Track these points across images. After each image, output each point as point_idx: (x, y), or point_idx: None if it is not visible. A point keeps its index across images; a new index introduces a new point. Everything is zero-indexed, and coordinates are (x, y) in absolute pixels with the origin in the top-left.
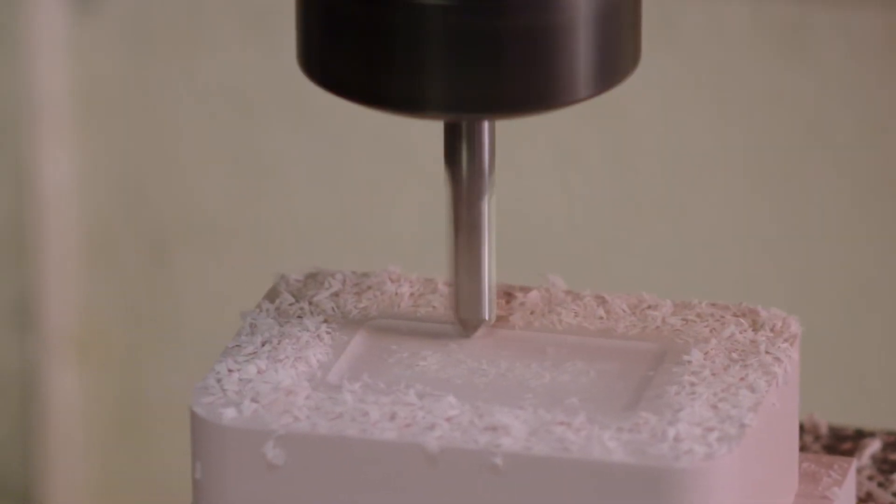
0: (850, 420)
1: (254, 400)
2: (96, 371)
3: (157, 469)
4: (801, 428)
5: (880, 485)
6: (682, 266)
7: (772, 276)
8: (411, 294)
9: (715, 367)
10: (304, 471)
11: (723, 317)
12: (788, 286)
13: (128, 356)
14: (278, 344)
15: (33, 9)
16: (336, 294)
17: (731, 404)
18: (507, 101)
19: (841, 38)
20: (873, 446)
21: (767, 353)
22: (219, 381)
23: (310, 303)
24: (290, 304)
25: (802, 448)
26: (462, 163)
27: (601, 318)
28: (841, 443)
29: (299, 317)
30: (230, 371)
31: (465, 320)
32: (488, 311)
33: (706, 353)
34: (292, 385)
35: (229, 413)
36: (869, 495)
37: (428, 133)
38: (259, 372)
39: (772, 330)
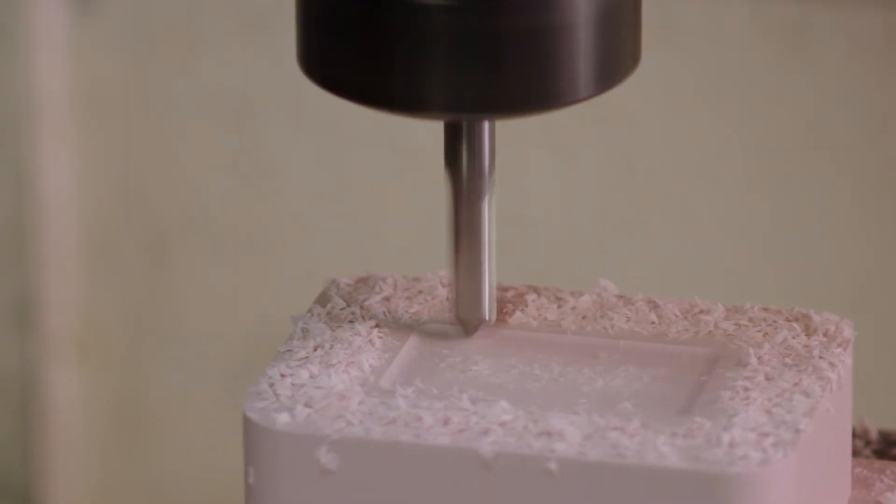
0: None
1: (307, 405)
2: (96, 371)
3: (157, 469)
4: (852, 433)
5: None
6: (682, 266)
7: (771, 275)
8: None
9: (769, 371)
10: (357, 476)
11: (775, 321)
12: (788, 286)
13: (128, 356)
14: (330, 349)
15: (33, 9)
16: (387, 298)
17: (785, 409)
18: (508, 101)
19: (841, 38)
20: None
21: (821, 357)
22: (271, 385)
23: (361, 307)
24: (342, 309)
25: (853, 453)
26: (462, 163)
27: (653, 322)
28: (891, 447)
29: (351, 321)
30: (283, 376)
31: (465, 320)
32: (488, 310)
33: (760, 358)
34: (345, 390)
35: (282, 418)
36: None
37: (428, 133)
38: (312, 377)
39: (825, 335)
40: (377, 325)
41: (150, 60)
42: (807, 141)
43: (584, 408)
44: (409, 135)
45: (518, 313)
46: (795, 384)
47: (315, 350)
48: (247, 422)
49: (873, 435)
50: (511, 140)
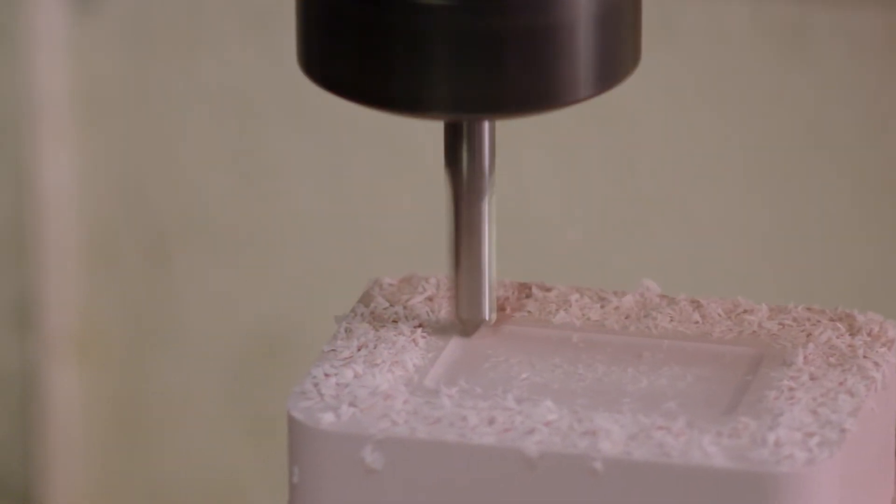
0: None
1: (351, 404)
2: (96, 371)
3: (157, 469)
4: None
5: None
6: (682, 266)
7: (771, 275)
8: (506, 298)
9: (813, 371)
10: (402, 475)
11: (819, 321)
12: (788, 286)
13: (128, 356)
14: (374, 348)
15: (33, 9)
16: (430, 298)
17: (830, 409)
18: (508, 101)
19: (841, 38)
20: None
21: (865, 357)
22: (316, 385)
23: (404, 307)
24: (385, 309)
25: None
26: (462, 163)
27: (696, 322)
28: None
29: (394, 321)
30: (327, 375)
31: (465, 320)
32: (488, 310)
33: (804, 358)
34: (390, 389)
35: (327, 417)
36: None
37: (428, 133)
38: (356, 376)
39: (869, 334)
40: (420, 325)
41: (150, 60)
42: (807, 141)
43: (628, 407)
44: (409, 135)
45: (562, 313)
46: (840, 384)
47: (359, 350)
48: (291, 421)
49: None
50: (511, 140)
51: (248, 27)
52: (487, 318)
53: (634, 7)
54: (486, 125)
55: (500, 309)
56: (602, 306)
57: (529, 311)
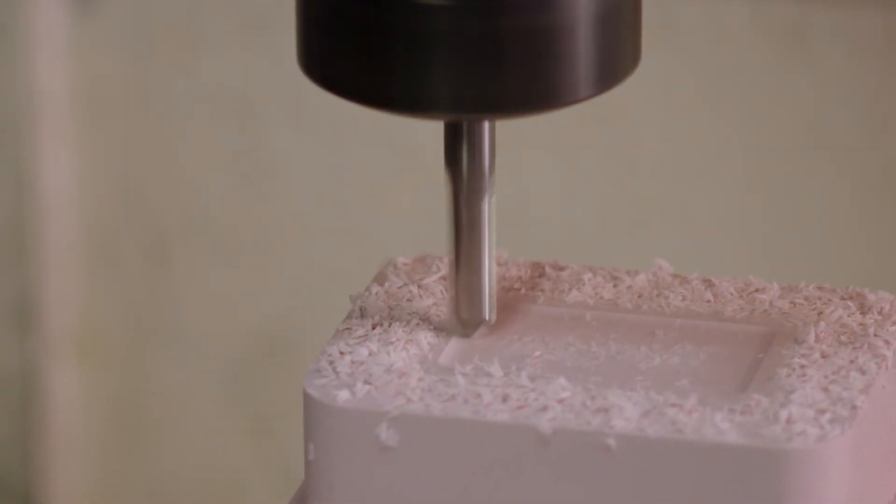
0: None
1: (367, 382)
2: (96, 371)
3: (157, 469)
4: None
5: None
6: (682, 265)
7: (771, 275)
8: (519, 277)
9: (824, 349)
10: (416, 452)
11: (830, 300)
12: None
13: (128, 356)
14: (389, 327)
15: (33, 9)
16: (444, 277)
17: (841, 386)
18: (508, 101)
19: (841, 38)
20: None
21: (876, 335)
22: (331, 363)
23: (419, 286)
24: (399, 288)
25: None
26: (462, 163)
27: (709, 301)
28: None
29: (409, 300)
30: (342, 353)
31: (465, 320)
32: (488, 310)
33: (816, 336)
34: (404, 367)
35: (343, 395)
36: None
37: (428, 133)
38: (371, 354)
39: (879, 313)
40: (435, 304)
41: (150, 60)
42: (807, 141)
43: (641, 385)
44: (409, 135)
45: (574, 292)
46: (851, 361)
47: (374, 328)
48: (307, 398)
49: None
50: (511, 140)
51: (248, 27)
52: (487, 317)
53: (634, 7)
54: (486, 125)
55: (514, 288)
56: (615, 285)
57: (543, 290)
